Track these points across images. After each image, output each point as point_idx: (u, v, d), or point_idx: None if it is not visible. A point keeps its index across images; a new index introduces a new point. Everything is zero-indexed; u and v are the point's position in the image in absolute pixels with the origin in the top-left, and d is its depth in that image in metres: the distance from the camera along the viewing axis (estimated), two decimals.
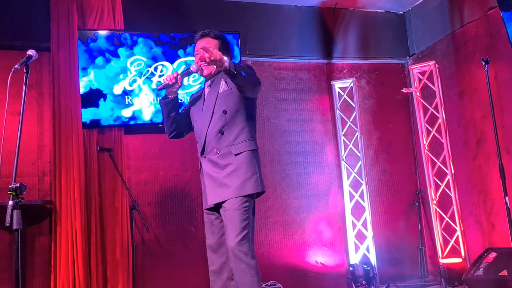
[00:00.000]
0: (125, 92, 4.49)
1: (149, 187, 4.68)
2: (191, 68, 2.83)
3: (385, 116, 5.56)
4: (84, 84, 4.37)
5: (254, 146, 2.84)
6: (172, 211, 4.71)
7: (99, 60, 4.44)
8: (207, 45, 2.74)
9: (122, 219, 4.32)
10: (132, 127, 4.54)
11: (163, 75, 4.58)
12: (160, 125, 4.60)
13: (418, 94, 5.15)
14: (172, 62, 4.62)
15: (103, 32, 4.45)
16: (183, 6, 4.97)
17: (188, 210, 4.75)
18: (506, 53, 4.27)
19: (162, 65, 4.61)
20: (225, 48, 2.91)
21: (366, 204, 5.07)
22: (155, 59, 4.59)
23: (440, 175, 4.96)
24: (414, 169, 5.58)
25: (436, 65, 5.02)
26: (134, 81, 4.53)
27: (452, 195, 4.81)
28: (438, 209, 4.95)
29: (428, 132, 5.08)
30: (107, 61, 4.47)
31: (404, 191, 5.48)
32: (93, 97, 4.40)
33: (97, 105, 4.41)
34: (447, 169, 4.88)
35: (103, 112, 4.41)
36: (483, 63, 3.88)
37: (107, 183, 4.37)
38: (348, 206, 5.13)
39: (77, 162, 4.21)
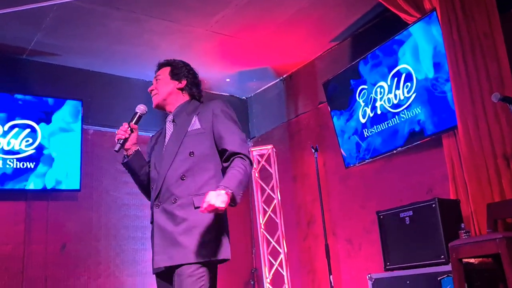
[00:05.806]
0: None
1: None
2: (138, 111, 2.35)
3: None
4: None
5: None
6: None
7: None
8: (162, 75, 2.44)
9: None
10: None
11: None
12: None
13: (257, 175, 5.42)
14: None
15: None
16: (24, 68, 4.70)
17: None
18: (332, 144, 4.75)
19: None
20: (176, 72, 2.47)
21: None
22: None
23: (274, 254, 5.16)
24: (251, 247, 5.73)
25: (274, 149, 5.38)
26: None
27: (284, 273, 5.01)
28: None
29: (265, 212, 5.31)
30: None
31: (240, 269, 5.55)
32: None
33: None
34: (280, 248, 5.10)
35: None
36: (313, 150, 4.27)
37: None
38: None
39: None
